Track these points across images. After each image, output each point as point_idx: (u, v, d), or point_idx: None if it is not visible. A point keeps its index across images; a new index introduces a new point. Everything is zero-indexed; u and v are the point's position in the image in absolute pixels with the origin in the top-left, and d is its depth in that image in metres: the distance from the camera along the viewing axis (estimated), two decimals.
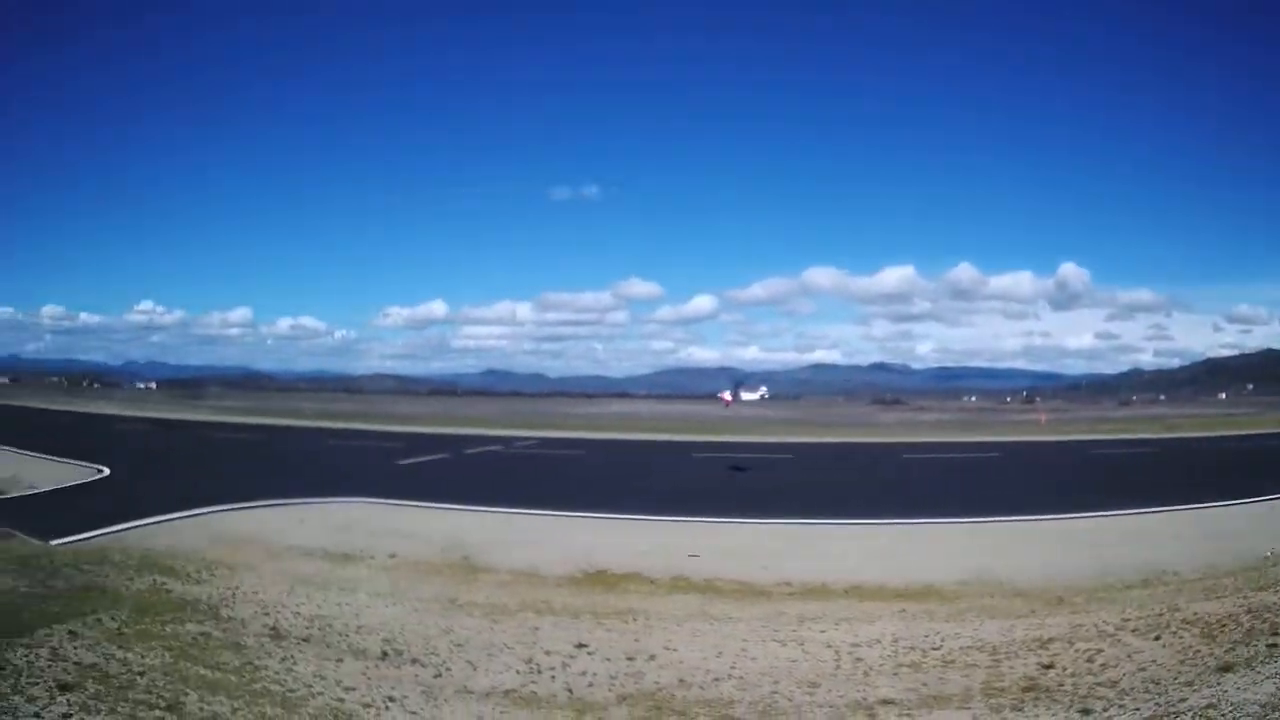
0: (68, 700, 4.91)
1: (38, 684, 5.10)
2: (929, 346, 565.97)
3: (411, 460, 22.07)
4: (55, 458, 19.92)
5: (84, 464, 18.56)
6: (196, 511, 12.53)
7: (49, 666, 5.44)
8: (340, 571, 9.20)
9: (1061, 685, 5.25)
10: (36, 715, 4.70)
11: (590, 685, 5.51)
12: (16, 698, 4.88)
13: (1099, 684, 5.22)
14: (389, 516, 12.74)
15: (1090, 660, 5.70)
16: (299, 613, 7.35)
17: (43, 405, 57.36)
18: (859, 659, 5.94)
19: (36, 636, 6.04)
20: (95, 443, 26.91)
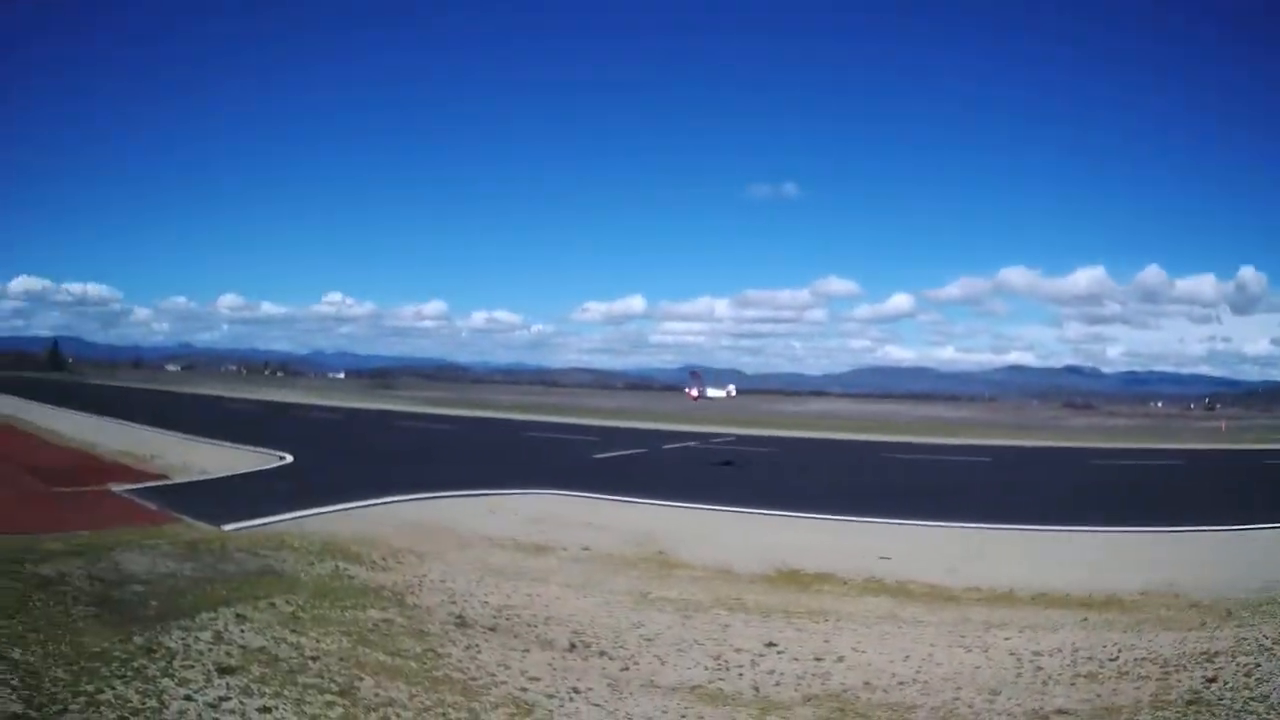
0: (226, 684, 5.25)
1: (193, 667, 5.49)
2: (1118, 349, 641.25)
3: (608, 454, 23.99)
4: (237, 444, 21.94)
5: (267, 450, 20.43)
6: (385, 499, 13.57)
7: (209, 649, 5.89)
8: (531, 562, 9.83)
9: (1221, 699, 5.64)
10: (187, 698, 5.00)
11: (777, 684, 5.92)
12: (165, 680, 5.24)
13: (1253, 699, 5.62)
14: (583, 509, 13.71)
15: (1249, 674, 6.11)
16: (487, 602, 7.88)
17: (222, 393, 63.60)
18: (1039, 667, 6.40)
19: (198, 620, 6.58)
20: (279, 429, 30.08)
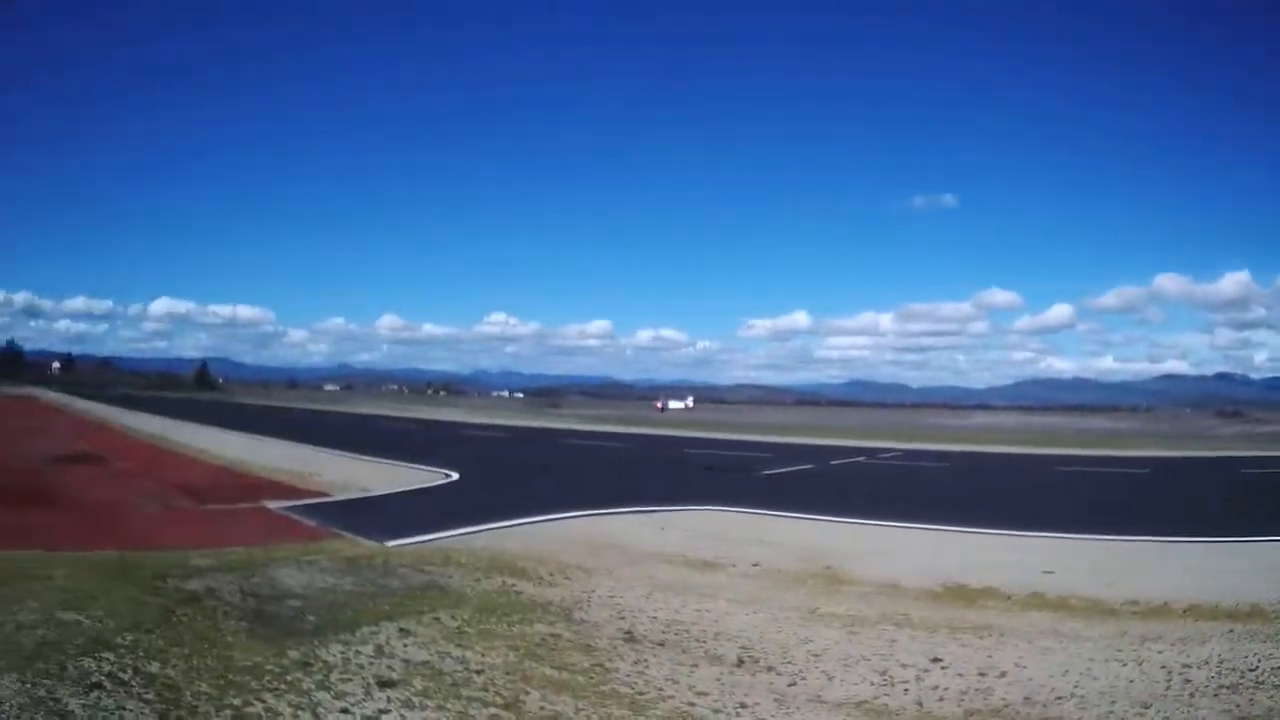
0: (387, 696, 5.63)
1: (352, 680, 5.91)
2: (1264, 355, 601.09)
3: (776, 470, 25.27)
4: (400, 462, 23.27)
5: (431, 468, 21.56)
6: (553, 516, 14.27)
7: (370, 663, 6.31)
8: (700, 578, 10.26)
9: None
10: (344, 711, 5.37)
11: (940, 700, 6.24)
12: (321, 693, 5.63)
13: None
14: (752, 525, 14.29)
15: None
16: (656, 617, 8.26)
17: (383, 412, 66.67)
18: (1187, 680, 6.73)
19: (359, 634, 7.06)
20: (443, 448, 31.63)
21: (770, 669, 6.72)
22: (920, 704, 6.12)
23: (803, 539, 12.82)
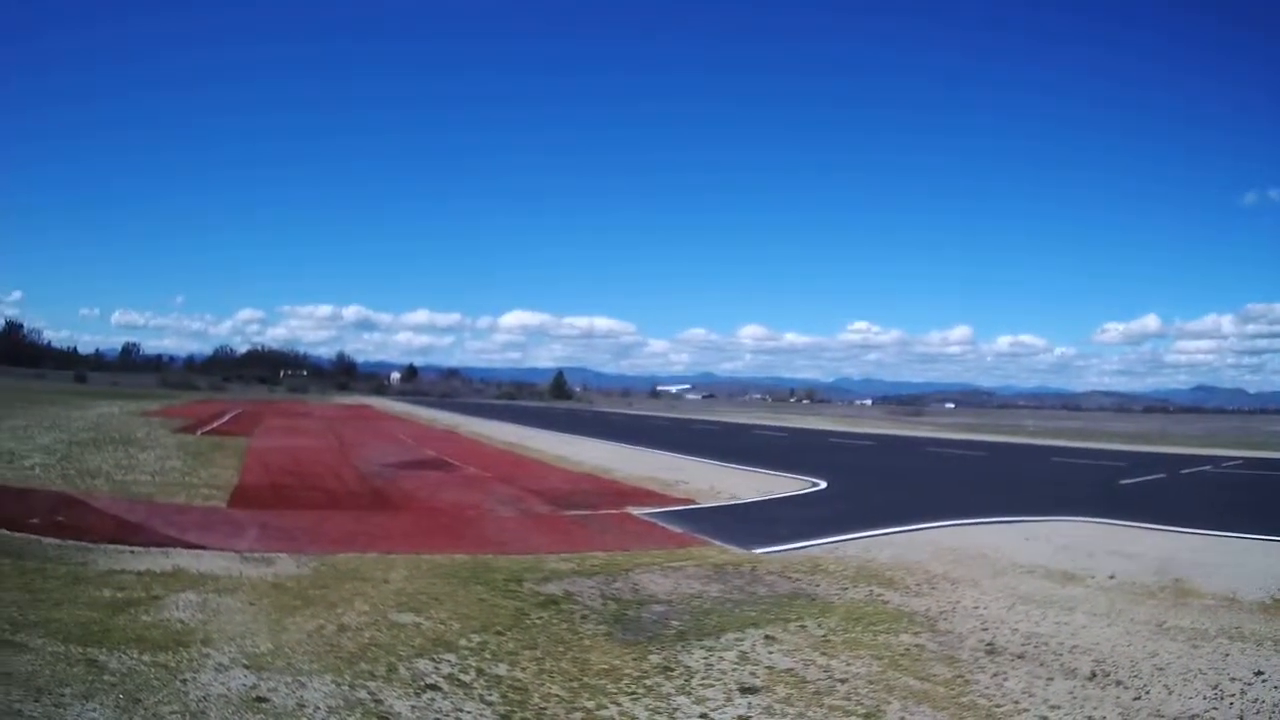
0: (748, 702, 5.88)
1: (714, 685, 6.21)
2: None
3: (1130, 480, 25.07)
4: (767, 470, 23.79)
5: (798, 476, 21.93)
6: (920, 525, 14.30)
7: (733, 669, 6.60)
8: (1060, 590, 10.24)
9: None
10: (704, 716, 5.65)
11: (1257, 712, 6.31)
12: (681, 698, 5.94)
13: None
14: (1108, 536, 14.14)
15: None
16: (1016, 629, 8.34)
17: (747, 420, 68.23)
18: None
19: (723, 640, 7.39)
20: (809, 455, 31.74)
21: (1119, 683, 6.85)
22: (1241, 716, 6.24)
23: (1157, 550, 12.86)
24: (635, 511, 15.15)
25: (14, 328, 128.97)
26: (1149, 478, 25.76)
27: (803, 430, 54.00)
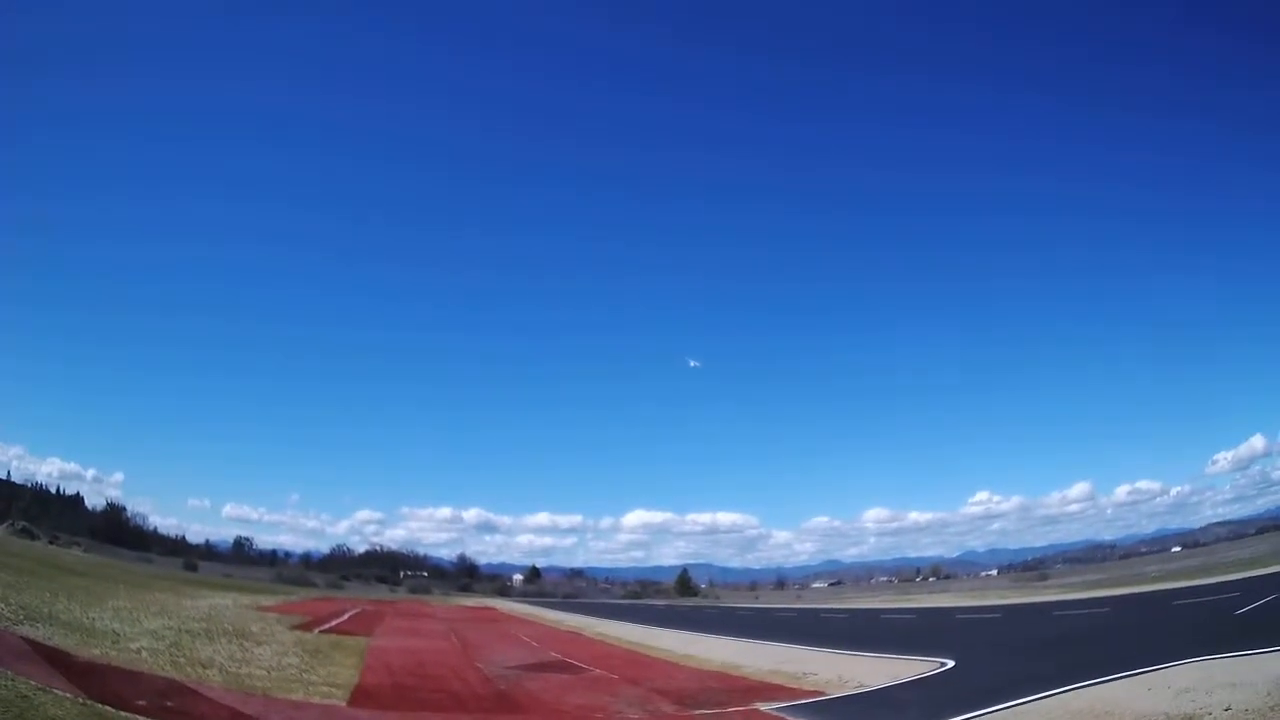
0: None
1: None
2: None
3: (1245, 607, 26.02)
4: (893, 654, 23.44)
5: (926, 657, 21.52)
6: (1046, 693, 14.26)
7: None
8: None
9: None
10: None
11: None
12: None
13: None
14: (1225, 670, 14.51)
15: None
16: None
17: (874, 605, 67.04)
18: None
19: None
20: (936, 635, 31.43)
21: None
22: None
23: (1267, 674, 13.43)
24: (763, 707, 15.16)
25: (116, 509, 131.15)
26: (1261, 601, 26.71)
27: (930, 610, 52.75)
